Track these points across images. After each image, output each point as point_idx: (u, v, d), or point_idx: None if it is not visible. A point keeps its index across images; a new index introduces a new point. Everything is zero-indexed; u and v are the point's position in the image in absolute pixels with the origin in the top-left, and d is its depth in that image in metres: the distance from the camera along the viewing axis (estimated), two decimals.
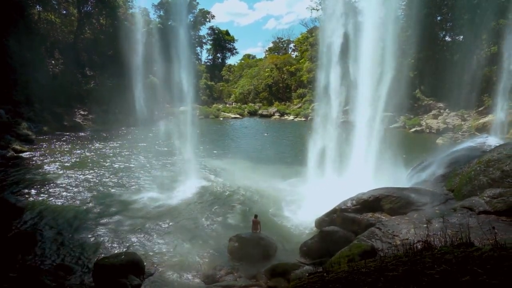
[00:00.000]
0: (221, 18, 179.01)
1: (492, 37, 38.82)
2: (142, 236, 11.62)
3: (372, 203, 10.98)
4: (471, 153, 13.29)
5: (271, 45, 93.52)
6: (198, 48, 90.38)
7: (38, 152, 23.85)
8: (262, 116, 62.19)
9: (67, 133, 32.86)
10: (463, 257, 3.21)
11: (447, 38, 48.37)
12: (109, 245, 10.91)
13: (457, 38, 46.75)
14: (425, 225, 8.39)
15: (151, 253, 10.34)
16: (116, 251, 10.18)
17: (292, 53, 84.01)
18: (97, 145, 28.12)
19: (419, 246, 4.71)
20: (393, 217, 10.12)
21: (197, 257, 10.20)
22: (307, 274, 5.32)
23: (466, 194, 10.21)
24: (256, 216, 11.57)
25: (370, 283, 3.06)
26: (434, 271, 3.01)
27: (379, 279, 3.10)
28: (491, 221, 7.86)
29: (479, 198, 9.47)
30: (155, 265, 9.50)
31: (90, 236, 11.47)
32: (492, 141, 16.45)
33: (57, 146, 26.91)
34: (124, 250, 10.33)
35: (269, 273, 8.66)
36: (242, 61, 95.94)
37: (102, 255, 9.70)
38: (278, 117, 60.73)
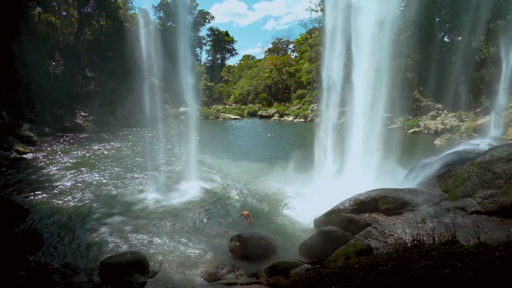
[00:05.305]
0: (220, 19, 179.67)
1: (491, 38, 39.16)
2: (145, 235, 11.92)
3: (369, 204, 11.27)
4: (465, 155, 13.60)
5: (270, 45, 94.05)
6: (198, 49, 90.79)
7: (41, 154, 24.11)
8: (261, 117, 62.48)
9: (68, 134, 33.10)
10: (447, 253, 3.53)
11: (446, 39, 48.70)
12: (114, 244, 11.20)
13: (455, 39, 47.06)
14: (419, 225, 8.72)
15: (154, 253, 10.62)
16: (120, 250, 10.46)
17: (292, 54, 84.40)
18: (98, 146, 28.39)
19: (410, 244, 5.04)
20: (389, 217, 10.42)
21: (199, 256, 10.50)
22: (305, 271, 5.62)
23: (459, 195, 10.52)
24: (244, 211, 12.31)
25: (362, 276, 3.38)
26: (419, 265, 3.33)
27: (370, 273, 3.42)
28: (481, 221, 8.21)
29: (471, 199, 9.81)
30: (159, 264, 9.79)
31: (94, 235, 11.77)
32: (487, 143, 16.78)
33: (59, 147, 27.18)
34: (128, 249, 10.62)
35: (269, 271, 8.94)
36: (242, 62, 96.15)
37: (108, 254, 10.00)
38: (277, 118, 61.01)
